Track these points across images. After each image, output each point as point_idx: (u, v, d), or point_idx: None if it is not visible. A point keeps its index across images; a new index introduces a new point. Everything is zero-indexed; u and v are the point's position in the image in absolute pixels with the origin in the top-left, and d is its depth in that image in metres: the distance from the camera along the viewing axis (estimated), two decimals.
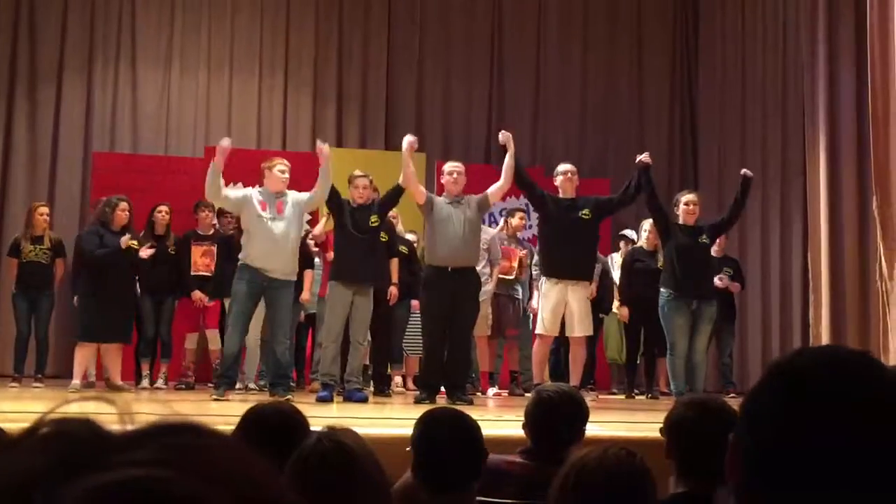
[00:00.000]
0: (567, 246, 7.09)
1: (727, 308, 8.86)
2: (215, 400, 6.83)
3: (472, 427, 2.57)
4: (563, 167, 7.55)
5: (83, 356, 7.95)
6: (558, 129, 11.57)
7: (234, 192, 7.37)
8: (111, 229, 7.88)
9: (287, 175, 7.30)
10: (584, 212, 7.17)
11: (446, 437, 2.51)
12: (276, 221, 7.07)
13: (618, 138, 11.60)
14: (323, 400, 6.87)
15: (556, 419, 2.95)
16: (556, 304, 7.13)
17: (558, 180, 7.42)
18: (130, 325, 8.23)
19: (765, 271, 9.94)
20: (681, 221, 7.45)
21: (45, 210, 8.62)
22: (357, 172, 7.55)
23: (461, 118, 11.48)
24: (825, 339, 8.32)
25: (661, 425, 2.62)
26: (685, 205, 7.45)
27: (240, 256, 7.15)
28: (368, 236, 7.23)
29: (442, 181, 7.52)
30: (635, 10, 11.84)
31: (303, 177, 9.86)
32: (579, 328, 7.19)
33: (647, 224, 8.74)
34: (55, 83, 10.55)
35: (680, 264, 7.30)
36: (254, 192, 7.23)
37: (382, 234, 7.60)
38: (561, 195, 7.35)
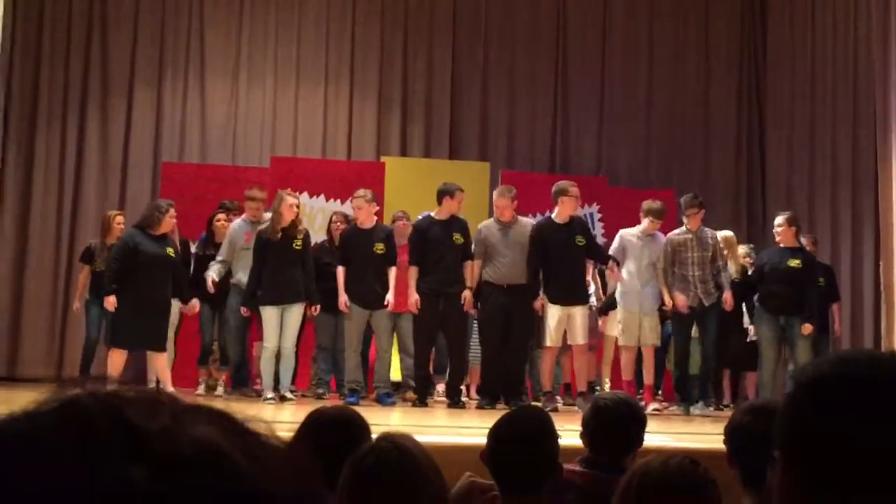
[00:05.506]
0: (566, 273, 7.73)
1: (820, 320, 8.35)
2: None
3: (546, 427, 2.59)
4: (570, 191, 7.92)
5: (116, 362, 7.44)
6: (623, 138, 11.47)
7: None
8: (151, 234, 7.54)
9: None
10: (578, 238, 7.73)
11: (519, 436, 2.53)
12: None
13: (684, 148, 11.46)
14: (350, 404, 7.21)
15: (613, 427, 2.94)
16: (560, 320, 7.72)
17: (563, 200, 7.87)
18: (165, 332, 7.68)
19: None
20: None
21: (121, 219, 8.70)
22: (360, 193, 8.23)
23: (526, 127, 11.44)
24: None
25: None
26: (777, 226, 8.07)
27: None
28: (375, 262, 7.90)
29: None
30: (702, 18, 11.71)
31: (366, 185, 9.97)
32: (581, 336, 7.77)
33: (719, 235, 8.67)
34: (126, 95, 10.76)
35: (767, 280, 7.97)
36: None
37: (458, 236, 7.92)
38: (557, 220, 7.84)
